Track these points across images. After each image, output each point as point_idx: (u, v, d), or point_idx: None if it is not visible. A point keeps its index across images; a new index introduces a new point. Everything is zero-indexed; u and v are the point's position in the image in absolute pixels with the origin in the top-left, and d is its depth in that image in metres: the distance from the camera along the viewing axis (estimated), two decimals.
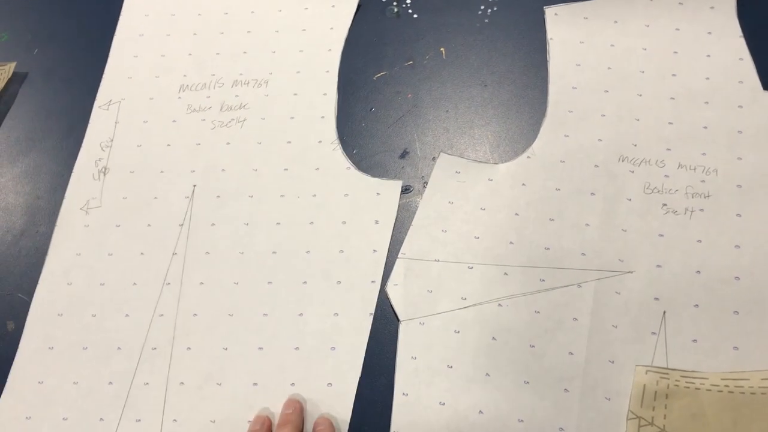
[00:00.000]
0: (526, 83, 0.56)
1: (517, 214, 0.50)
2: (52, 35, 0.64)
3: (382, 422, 0.45)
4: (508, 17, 0.59)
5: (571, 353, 0.45)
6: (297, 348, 0.48)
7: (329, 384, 0.47)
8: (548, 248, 0.48)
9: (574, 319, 0.46)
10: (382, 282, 0.49)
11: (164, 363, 0.48)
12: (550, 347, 0.45)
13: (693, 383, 0.43)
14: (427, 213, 0.51)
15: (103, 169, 0.56)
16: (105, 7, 0.64)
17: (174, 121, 0.57)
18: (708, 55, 0.53)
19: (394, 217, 0.51)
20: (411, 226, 0.51)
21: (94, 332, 0.50)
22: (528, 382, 0.45)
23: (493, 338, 0.46)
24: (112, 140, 0.57)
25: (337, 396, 0.46)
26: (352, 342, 0.48)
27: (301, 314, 0.49)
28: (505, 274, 0.48)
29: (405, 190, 0.53)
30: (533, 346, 0.46)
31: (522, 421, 0.44)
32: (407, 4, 0.61)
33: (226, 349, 0.48)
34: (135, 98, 0.59)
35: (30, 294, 0.52)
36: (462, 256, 0.49)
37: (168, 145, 0.56)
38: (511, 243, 0.49)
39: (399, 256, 0.50)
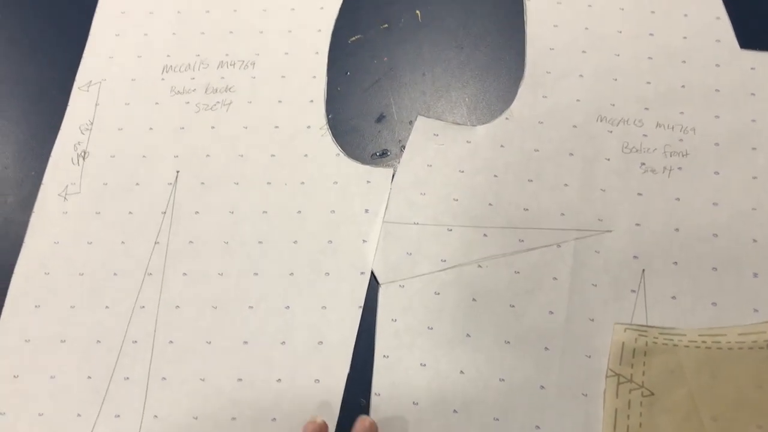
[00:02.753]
0: (503, 45, 0.55)
1: (495, 175, 0.49)
2: (12, 2, 0.61)
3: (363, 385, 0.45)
4: None
5: (551, 312, 0.45)
6: (283, 342, 0.46)
7: (317, 380, 0.45)
8: (527, 209, 0.48)
9: (554, 278, 0.46)
10: (371, 273, 0.48)
11: (145, 357, 0.47)
12: (531, 307, 0.46)
13: (671, 340, 0.43)
14: (405, 177, 0.50)
15: (83, 153, 0.53)
16: None
17: (157, 103, 0.55)
18: (685, 15, 0.54)
19: (385, 206, 0.50)
20: (389, 190, 0.50)
21: (73, 324, 0.48)
22: (509, 342, 0.45)
23: (474, 299, 0.46)
24: (92, 123, 0.55)
25: (325, 392, 0.45)
26: (340, 336, 0.46)
27: (287, 307, 0.47)
28: (485, 235, 0.48)
29: (382, 154, 0.52)
30: (513, 306, 0.46)
31: (503, 380, 0.44)
32: None
33: (210, 342, 0.47)
34: (116, 79, 0.56)
35: None
36: (441, 218, 0.48)
37: (150, 128, 0.54)
38: (490, 204, 0.48)
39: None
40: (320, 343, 0.46)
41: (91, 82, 0.56)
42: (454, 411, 0.44)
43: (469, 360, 0.45)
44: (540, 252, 0.47)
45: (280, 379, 0.45)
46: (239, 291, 0.48)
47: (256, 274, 0.48)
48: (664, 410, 0.41)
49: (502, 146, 0.50)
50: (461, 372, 0.44)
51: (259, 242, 0.49)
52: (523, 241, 0.47)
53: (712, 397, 0.41)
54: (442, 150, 0.51)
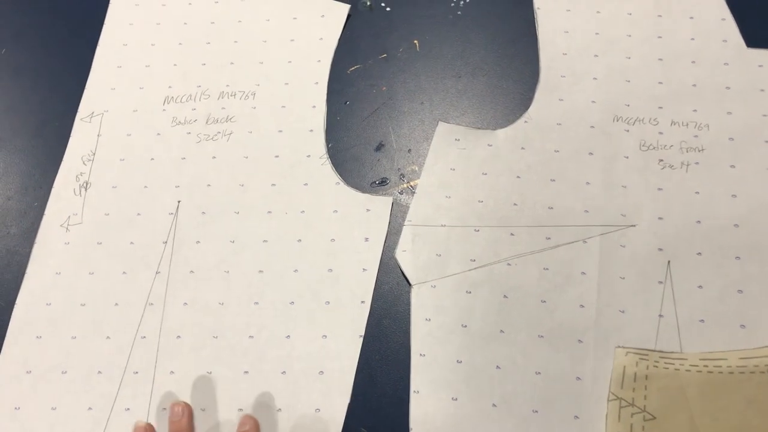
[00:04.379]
0: (500, 74, 0.56)
1: (518, 176, 0.51)
2: (18, 35, 0.62)
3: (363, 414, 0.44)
4: (480, 9, 0.59)
5: (582, 306, 0.46)
6: (284, 372, 0.46)
7: (317, 410, 0.45)
8: (551, 207, 0.49)
9: (582, 273, 0.47)
10: (372, 302, 0.48)
11: (146, 388, 0.47)
12: (561, 301, 0.47)
13: (672, 364, 0.43)
14: (429, 181, 0.51)
15: (85, 184, 0.54)
16: (89, 16, 0.62)
17: (158, 134, 0.55)
18: (691, 17, 0.56)
19: (385, 235, 0.50)
20: (414, 195, 0.51)
21: (74, 355, 0.48)
22: (542, 336, 0.46)
23: (505, 296, 0.47)
24: (94, 154, 0.55)
25: (325, 422, 0.45)
26: (341, 366, 0.46)
27: (288, 336, 0.47)
28: (512, 234, 0.49)
29: (381, 182, 0.52)
30: (544, 302, 0.47)
31: (539, 373, 0.45)
32: None
33: (211, 373, 0.47)
34: (118, 110, 0.57)
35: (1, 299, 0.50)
36: (467, 219, 0.50)
37: (152, 159, 0.55)
38: (514, 204, 0.50)
39: (405, 223, 0.50)
40: (321, 372, 0.46)
41: (93, 113, 0.57)
42: (493, 405, 0.44)
43: (504, 355, 0.46)
44: (567, 248, 0.48)
45: (280, 409, 0.45)
46: (240, 320, 0.48)
47: (256, 303, 0.48)
48: None
49: (522, 148, 0.52)
50: (497, 367, 0.45)
51: (260, 271, 0.49)
52: (549, 238, 0.49)
53: (714, 421, 0.41)
54: (464, 154, 0.52)
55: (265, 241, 0.50)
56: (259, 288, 0.49)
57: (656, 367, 0.43)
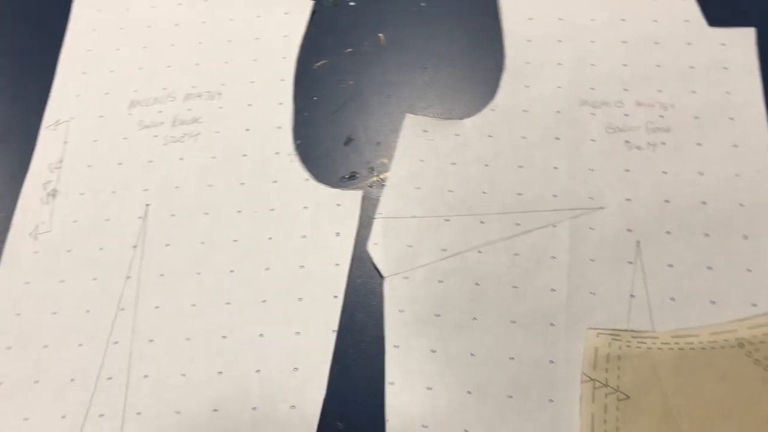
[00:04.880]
0: (466, 64, 0.56)
1: (487, 165, 0.51)
2: None
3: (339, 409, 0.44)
4: (444, 1, 0.59)
5: (553, 290, 0.46)
6: (258, 371, 0.46)
7: (293, 406, 0.45)
8: (521, 194, 0.49)
9: (553, 257, 0.47)
10: (345, 296, 0.48)
11: (120, 393, 0.46)
12: (533, 286, 0.47)
13: (644, 343, 0.43)
14: (399, 173, 0.51)
15: (53, 192, 0.53)
16: (52, 23, 0.61)
17: (125, 138, 0.55)
18: None
19: (356, 229, 0.50)
20: (384, 188, 0.51)
21: (46, 364, 0.48)
22: (515, 321, 0.46)
23: (477, 284, 0.47)
24: (61, 162, 0.55)
25: (301, 418, 0.44)
26: (315, 361, 0.46)
27: (261, 335, 0.47)
28: (482, 222, 0.49)
29: (351, 177, 0.52)
30: (516, 287, 0.47)
31: (513, 358, 0.45)
32: None
33: (185, 375, 0.46)
34: (84, 117, 0.57)
35: None
36: (438, 209, 0.49)
37: (119, 163, 0.54)
38: (484, 192, 0.50)
39: (376, 216, 0.50)
40: (295, 369, 0.46)
41: (59, 121, 0.57)
42: (468, 392, 0.44)
43: (478, 342, 0.45)
44: (537, 233, 0.48)
45: (255, 407, 0.45)
46: (212, 321, 0.48)
47: (228, 303, 0.48)
48: (641, 413, 0.41)
49: (490, 136, 0.52)
50: (471, 354, 0.45)
51: (231, 271, 0.49)
52: (519, 224, 0.48)
53: (687, 398, 0.41)
54: (433, 145, 0.52)
55: (235, 240, 0.50)
56: (231, 288, 0.49)
57: (629, 346, 0.43)
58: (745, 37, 0.53)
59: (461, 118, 0.53)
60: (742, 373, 0.42)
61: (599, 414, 0.42)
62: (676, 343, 0.43)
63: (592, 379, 0.43)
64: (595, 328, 0.45)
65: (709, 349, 0.42)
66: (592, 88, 0.53)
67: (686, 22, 0.54)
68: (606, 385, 0.42)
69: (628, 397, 0.42)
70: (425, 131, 0.53)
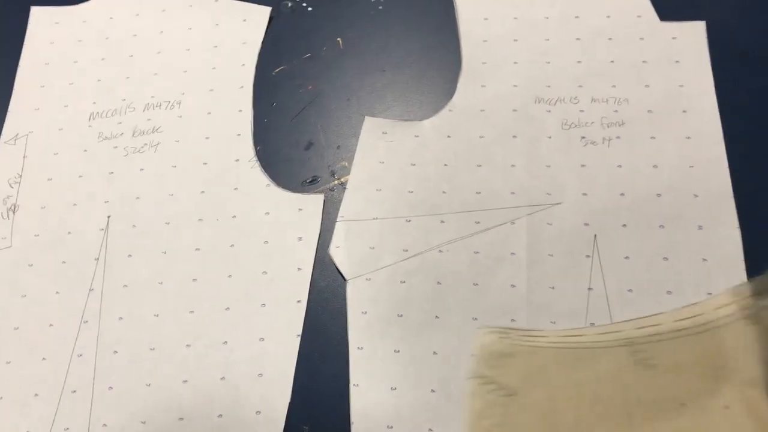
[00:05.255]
0: (424, 66, 0.57)
1: (446, 164, 0.51)
2: None
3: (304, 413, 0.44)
4: (400, 3, 0.60)
5: (513, 285, 0.47)
6: (223, 378, 0.46)
7: (258, 412, 0.45)
8: (479, 192, 0.50)
9: (512, 253, 0.48)
10: (308, 301, 0.48)
11: (85, 406, 0.46)
12: (493, 283, 0.47)
13: (533, 341, 0.44)
14: (359, 175, 0.52)
15: (13, 207, 0.53)
16: (8, 36, 0.61)
17: (85, 150, 0.55)
18: None
19: (318, 233, 0.50)
20: (346, 190, 0.51)
21: (9, 380, 0.47)
22: (476, 318, 0.46)
23: (438, 282, 0.47)
24: (20, 176, 0.54)
25: (267, 423, 0.44)
26: (279, 366, 0.46)
27: (225, 342, 0.47)
28: (442, 221, 0.49)
29: (312, 181, 0.53)
30: (477, 285, 0.47)
31: (475, 354, 0.45)
32: None
33: (149, 385, 0.46)
34: (43, 130, 0.56)
35: None
36: (399, 211, 0.50)
37: (80, 176, 0.54)
38: (443, 192, 0.50)
39: (338, 219, 0.50)
40: (260, 375, 0.46)
41: (17, 135, 0.56)
42: (432, 391, 0.45)
43: (440, 340, 0.46)
44: (496, 231, 0.49)
45: (221, 415, 0.45)
46: (176, 330, 0.48)
47: (192, 312, 0.48)
48: (526, 408, 0.42)
49: (448, 137, 0.52)
50: (434, 353, 0.46)
51: (194, 280, 0.49)
52: (479, 222, 0.49)
53: (572, 394, 0.42)
54: (392, 146, 0.53)
55: (197, 249, 0.50)
56: (194, 296, 0.49)
57: (518, 344, 0.44)
58: (696, 30, 0.54)
59: (420, 120, 0.54)
60: (624, 372, 0.43)
61: (483, 409, 0.43)
62: (564, 342, 0.44)
63: (479, 376, 0.44)
64: (485, 326, 0.45)
65: (595, 348, 0.43)
66: (548, 86, 0.53)
67: (638, 17, 0.55)
68: (492, 382, 0.43)
69: (515, 393, 0.43)
70: (384, 133, 0.53)
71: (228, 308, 0.48)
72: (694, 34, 0.54)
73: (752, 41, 0.54)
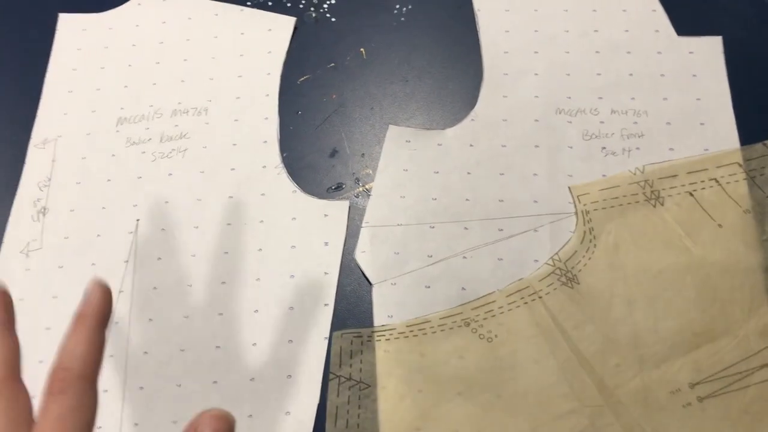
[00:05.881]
0: (445, 76, 0.58)
1: (468, 173, 0.53)
2: None
3: None
4: (423, 14, 0.61)
5: None
6: (252, 379, 0.47)
7: (287, 413, 0.46)
8: (502, 200, 0.51)
9: (535, 260, 0.49)
10: (335, 304, 0.49)
11: (117, 406, 0.47)
12: None
13: (383, 335, 0.47)
14: (384, 182, 0.53)
15: (42, 210, 0.54)
16: (37, 43, 0.62)
17: (113, 155, 0.56)
18: (624, 10, 0.58)
19: (344, 238, 0.51)
20: (370, 197, 0.52)
21: (42, 380, 0.48)
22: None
23: (463, 288, 0.49)
24: (50, 179, 0.55)
25: (296, 424, 0.45)
26: (308, 368, 0.47)
27: (254, 344, 0.48)
28: (465, 228, 0.51)
29: (337, 187, 0.54)
30: (501, 290, 0.49)
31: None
32: (324, 8, 0.62)
33: (180, 385, 0.47)
34: (72, 135, 0.57)
35: None
36: (423, 217, 0.51)
37: (108, 180, 0.55)
38: (467, 200, 0.52)
39: (363, 225, 0.51)
40: (289, 376, 0.47)
41: (46, 139, 0.57)
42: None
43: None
44: (519, 238, 0.50)
45: (251, 415, 0.46)
46: (206, 332, 0.49)
47: (221, 314, 0.49)
48: (383, 397, 0.46)
49: (471, 145, 0.54)
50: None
51: (222, 283, 0.50)
52: (502, 230, 0.50)
53: (427, 376, 0.46)
54: (416, 154, 0.54)
55: (225, 252, 0.51)
56: (223, 299, 0.50)
57: (369, 340, 0.47)
58: (713, 45, 0.56)
59: (443, 128, 0.55)
60: (472, 347, 0.47)
61: (343, 405, 0.46)
62: (411, 331, 0.47)
63: (337, 376, 0.46)
64: (339, 331, 0.48)
65: (440, 332, 0.47)
66: (569, 97, 0.55)
67: (656, 32, 0.57)
68: (349, 379, 0.46)
69: (369, 386, 0.46)
70: (408, 141, 0.54)
71: (257, 311, 0.49)
72: (710, 49, 0.56)
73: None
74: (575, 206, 0.50)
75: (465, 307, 0.48)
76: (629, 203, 0.50)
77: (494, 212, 0.51)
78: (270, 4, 0.62)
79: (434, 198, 0.52)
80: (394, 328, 0.47)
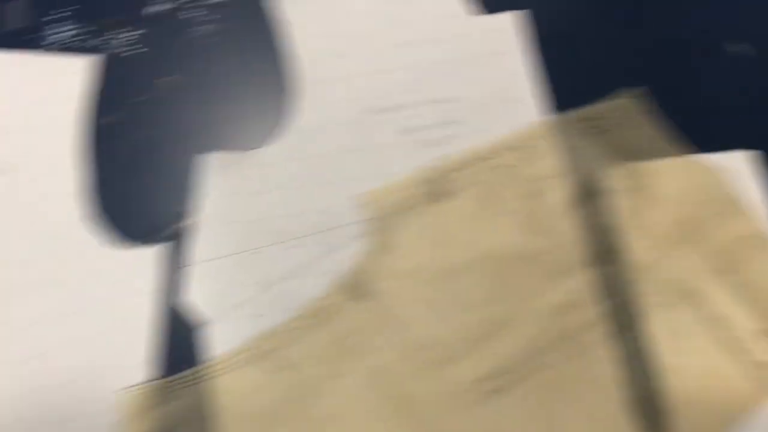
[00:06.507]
0: (260, 93, 0.55)
1: (289, 189, 0.51)
2: None
3: None
4: (231, 36, 0.58)
5: None
6: None
7: None
8: (325, 211, 0.50)
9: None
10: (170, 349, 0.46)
11: None
12: None
13: (187, 383, 0.45)
14: (206, 215, 0.50)
15: None
16: None
17: None
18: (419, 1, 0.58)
19: (169, 281, 0.48)
20: (193, 233, 0.49)
21: None
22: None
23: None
24: None
25: None
26: None
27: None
28: (292, 247, 0.49)
29: (157, 229, 0.50)
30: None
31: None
32: (132, 39, 0.58)
33: None
34: None
35: None
36: (248, 243, 0.49)
37: None
38: (291, 216, 0.50)
39: (188, 264, 0.48)
40: None
41: None
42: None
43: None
44: (348, 248, 0.48)
45: None
46: None
47: None
48: None
49: (290, 160, 0.52)
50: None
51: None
52: (329, 242, 0.49)
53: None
54: (236, 180, 0.51)
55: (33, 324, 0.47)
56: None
57: (168, 392, 0.44)
58: (513, 19, 0.56)
59: (262, 147, 0.53)
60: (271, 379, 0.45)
61: None
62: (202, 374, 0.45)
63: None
64: (122, 389, 0.44)
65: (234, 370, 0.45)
66: (380, 97, 0.54)
67: (455, 17, 0.56)
68: None
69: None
70: (227, 167, 0.52)
71: None
72: (512, 24, 0.56)
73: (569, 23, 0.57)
74: (367, 214, 0.49)
75: (260, 338, 0.45)
76: (419, 203, 0.49)
77: (319, 225, 0.49)
78: (72, 40, 0.58)
79: (258, 220, 0.50)
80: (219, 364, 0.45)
